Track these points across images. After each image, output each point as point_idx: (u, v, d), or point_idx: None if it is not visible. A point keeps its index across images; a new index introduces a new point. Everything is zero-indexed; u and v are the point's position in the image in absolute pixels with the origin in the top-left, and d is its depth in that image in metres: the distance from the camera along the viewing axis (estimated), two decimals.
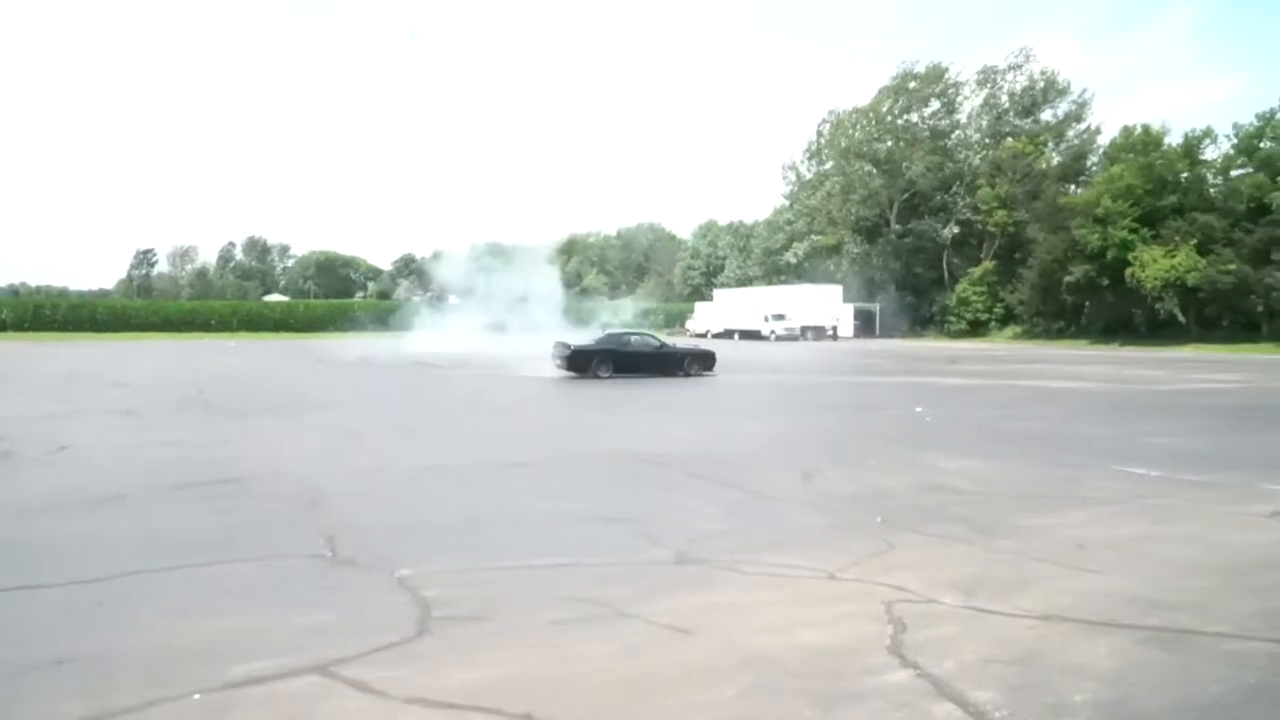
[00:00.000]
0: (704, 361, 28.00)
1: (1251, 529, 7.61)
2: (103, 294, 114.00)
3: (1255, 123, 55.75)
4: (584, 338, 29.01)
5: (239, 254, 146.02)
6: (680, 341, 40.23)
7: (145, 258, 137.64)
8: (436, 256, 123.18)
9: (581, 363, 26.03)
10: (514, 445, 12.85)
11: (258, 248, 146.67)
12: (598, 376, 25.65)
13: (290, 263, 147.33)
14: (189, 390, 21.09)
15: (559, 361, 26.40)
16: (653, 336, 30.08)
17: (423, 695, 4.00)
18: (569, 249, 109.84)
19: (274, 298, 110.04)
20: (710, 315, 73.61)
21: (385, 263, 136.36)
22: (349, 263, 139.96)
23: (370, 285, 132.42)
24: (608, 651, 4.58)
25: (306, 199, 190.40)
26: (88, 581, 5.88)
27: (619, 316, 76.08)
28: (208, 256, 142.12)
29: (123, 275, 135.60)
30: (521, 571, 6.24)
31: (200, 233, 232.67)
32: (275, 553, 6.69)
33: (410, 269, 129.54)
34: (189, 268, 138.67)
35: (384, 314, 77.79)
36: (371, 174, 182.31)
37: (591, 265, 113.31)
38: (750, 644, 4.68)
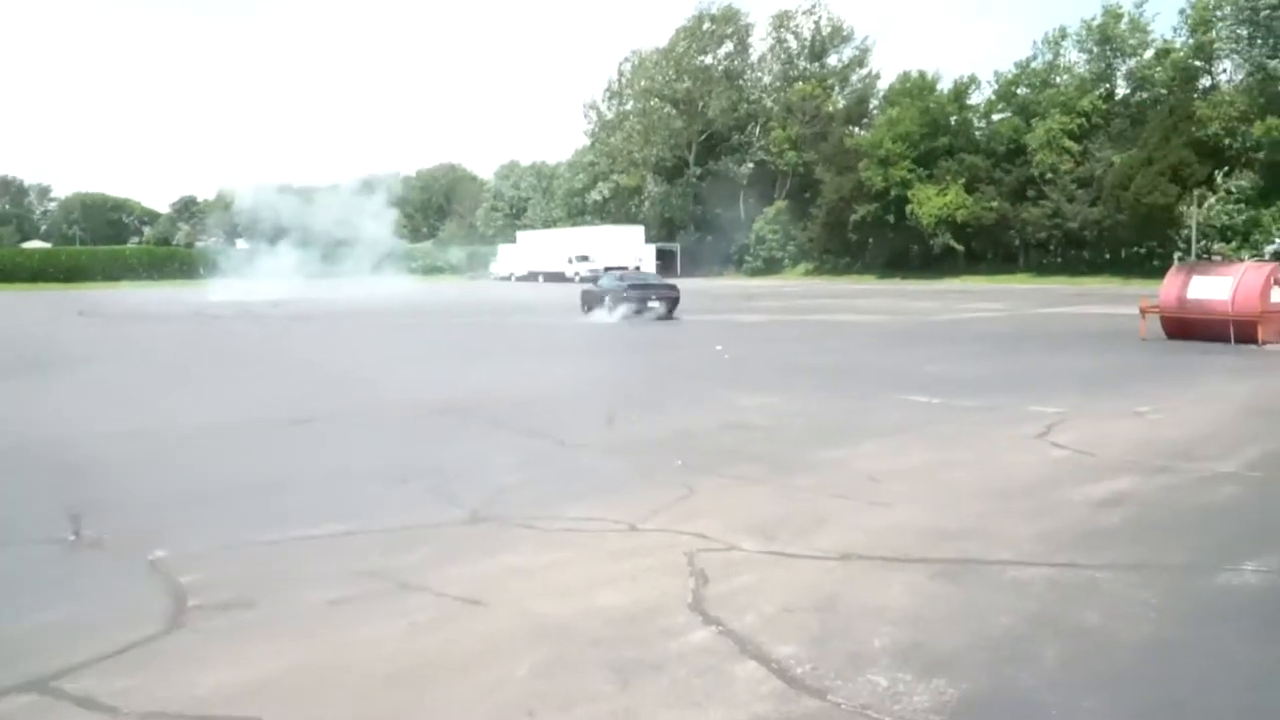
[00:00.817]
0: None
1: (1022, 450, 8.03)
2: None
3: (1013, 70, 60.04)
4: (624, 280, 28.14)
5: None
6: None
7: None
8: (220, 197, 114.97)
9: (674, 306, 26.13)
10: (303, 398, 11.98)
11: (12, 189, 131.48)
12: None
13: (52, 206, 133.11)
14: None
15: (659, 305, 25.65)
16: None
17: (162, 708, 3.43)
18: (366, 190, 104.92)
19: (33, 244, 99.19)
20: (514, 258, 72.58)
21: (162, 205, 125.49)
22: (120, 205, 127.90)
23: (146, 230, 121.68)
24: (390, 634, 4.14)
25: (69, 135, 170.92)
26: None
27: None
28: None
29: None
30: (298, 544, 5.66)
31: None
32: (3, 540, 5.78)
33: (191, 211, 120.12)
34: None
35: (160, 261, 71.90)
36: (144, 108, 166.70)
37: (390, 207, 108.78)
38: (547, 612, 4.37)
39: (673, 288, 27.20)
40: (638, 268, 65.88)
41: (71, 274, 65.73)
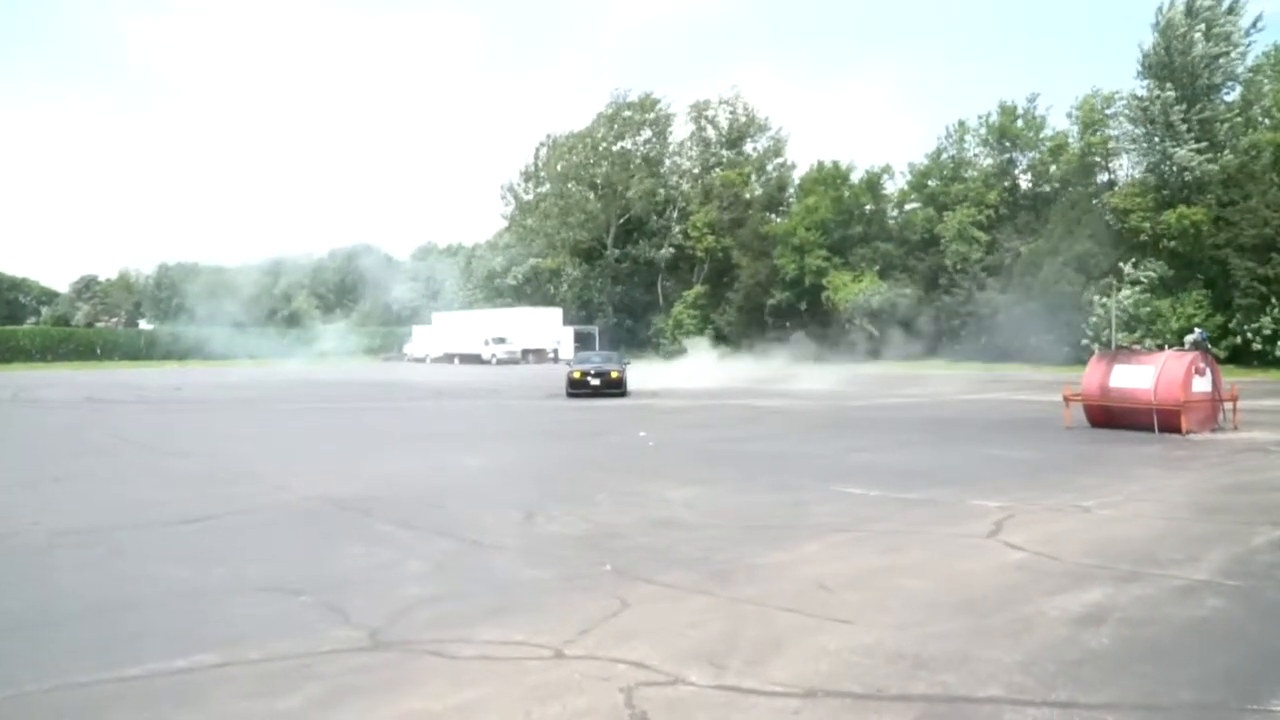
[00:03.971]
0: None
1: (977, 553, 7.48)
2: None
3: (925, 162, 62.10)
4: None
5: None
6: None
7: None
8: (123, 277, 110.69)
9: None
10: (189, 495, 10.84)
11: None
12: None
13: None
14: None
15: None
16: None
17: None
18: (276, 269, 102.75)
19: None
20: (429, 339, 71.25)
21: (62, 284, 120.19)
22: (17, 285, 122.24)
23: (44, 309, 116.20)
24: None
25: None
26: None
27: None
28: None
29: None
30: (157, 682, 4.72)
31: None
32: None
33: (92, 291, 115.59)
34: None
35: (55, 342, 68.32)
36: (42, 184, 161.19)
37: (301, 287, 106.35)
38: None
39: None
40: (555, 350, 65.37)
41: None
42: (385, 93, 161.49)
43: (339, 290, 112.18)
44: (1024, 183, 59.76)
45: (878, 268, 58.02)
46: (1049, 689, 4.37)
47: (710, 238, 69.55)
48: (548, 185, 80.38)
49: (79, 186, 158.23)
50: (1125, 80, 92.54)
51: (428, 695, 4.48)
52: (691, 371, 41.75)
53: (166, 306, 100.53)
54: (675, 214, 74.45)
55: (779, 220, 67.66)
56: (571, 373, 27.89)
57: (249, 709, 4.29)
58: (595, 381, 27.18)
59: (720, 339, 69.79)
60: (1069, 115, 56.87)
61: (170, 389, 33.33)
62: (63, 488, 11.56)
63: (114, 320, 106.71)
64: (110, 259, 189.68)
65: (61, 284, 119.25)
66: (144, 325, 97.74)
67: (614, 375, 27.37)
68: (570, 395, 27.10)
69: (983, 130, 59.42)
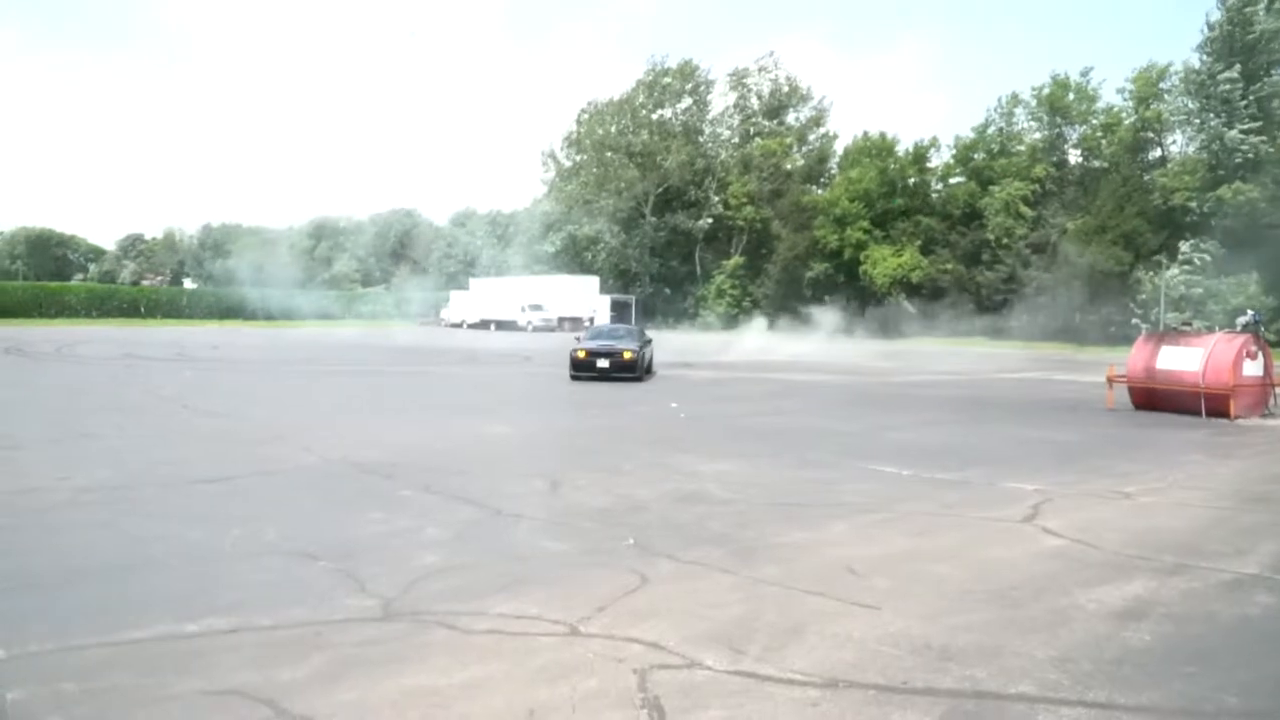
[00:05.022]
0: None
1: (1011, 539, 7.23)
2: None
3: (971, 135, 60.83)
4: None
5: None
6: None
7: None
8: (168, 236, 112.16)
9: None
10: (214, 454, 10.85)
11: None
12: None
13: None
14: None
15: None
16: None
17: None
18: (317, 233, 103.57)
19: None
20: (467, 305, 71.36)
21: (109, 242, 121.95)
22: (65, 241, 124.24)
23: (91, 267, 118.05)
24: None
25: (15, 169, 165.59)
26: None
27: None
28: None
29: None
30: (163, 646, 4.63)
31: None
32: None
33: (137, 249, 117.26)
34: None
35: (100, 298, 69.24)
36: (93, 142, 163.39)
37: (342, 251, 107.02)
38: None
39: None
40: (591, 319, 65.14)
41: (10, 310, 62.64)
42: (427, 58, 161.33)
43: (378, 254, 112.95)
44: (1073, 158, 58.38)
45: (919, 242, 57.08)
46: (1085, 688, 4.13)
47: (749, 208, 68.83)
48: (587, 154, 79.82)
49: (128, 146, 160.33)
50: (1180, 52, 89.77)
51: (435, 671, 4.34)
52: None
53: (210, 266, 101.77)
54: (714, 184, 73.64)
55: (820, 192, 66.77)
56: (576, 351, 23.44)
57: (251, 679, 4.18)
58: (603, 363, 22.92)
59: (758, 310, 69.30)
60: (1119, 92, 55.36)
61: (208, 348, 33.66)
62: (92, 444, 11.62)
63: (158, 279, 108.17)
64: (156, 218, 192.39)
65: (109, 241, 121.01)
66: (187, 284, 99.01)
67: (626, 356, 22.91)
68: (574, 378, 23.04)
69: (1033, 103, 58.03)
